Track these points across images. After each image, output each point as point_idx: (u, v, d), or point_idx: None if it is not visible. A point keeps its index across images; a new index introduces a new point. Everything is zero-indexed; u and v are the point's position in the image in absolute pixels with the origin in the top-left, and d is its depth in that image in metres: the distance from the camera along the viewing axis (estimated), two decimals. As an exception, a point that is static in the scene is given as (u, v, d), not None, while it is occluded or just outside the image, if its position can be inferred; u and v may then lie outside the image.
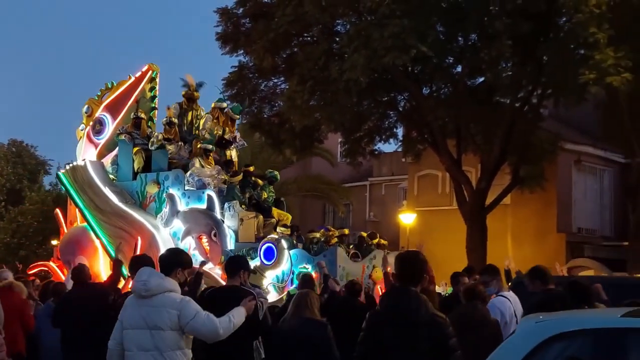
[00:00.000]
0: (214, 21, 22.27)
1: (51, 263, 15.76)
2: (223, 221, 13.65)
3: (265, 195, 15.10)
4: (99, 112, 16.03)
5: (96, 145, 15.98)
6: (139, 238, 13.98)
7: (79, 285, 8.80)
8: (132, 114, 15.44)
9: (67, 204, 16.05)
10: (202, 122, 15.42)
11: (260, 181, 15.11)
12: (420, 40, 17.14)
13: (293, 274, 12.80)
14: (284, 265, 12.94)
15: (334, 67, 18.26)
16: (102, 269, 14.59)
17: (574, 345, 4.83)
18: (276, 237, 13.41)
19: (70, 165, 15.78)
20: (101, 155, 15.89)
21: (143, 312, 5.45)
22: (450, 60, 20.73)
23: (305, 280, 9.79)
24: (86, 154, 15.89)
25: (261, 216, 14.35)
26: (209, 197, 13.83)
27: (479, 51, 18.52)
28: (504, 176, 21.46)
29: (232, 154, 15.67)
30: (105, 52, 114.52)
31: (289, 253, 13.04)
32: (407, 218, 26.41)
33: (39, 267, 16.09)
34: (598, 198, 26.68)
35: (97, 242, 14.77)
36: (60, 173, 16.05)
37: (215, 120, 15.39)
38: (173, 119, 15.07)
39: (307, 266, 12.84)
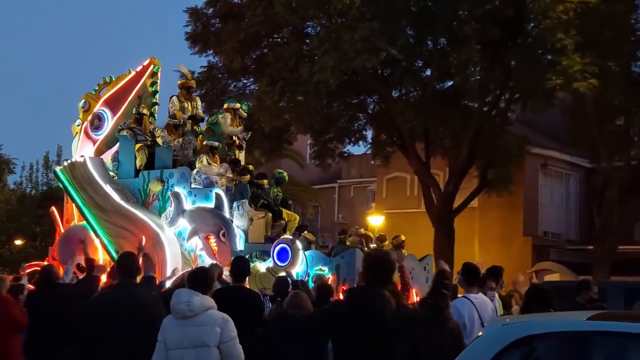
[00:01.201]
0: (183, 21, 22.22)
1: (46, 263, 15.24)
2: (232, 221, 13.09)
3: (273, 195, 14.60)
4: (98, 107, 15.24)
5: (94, 142, 15.20)
6: (144, 238, 13.24)
7: (46, 286, 8.64)
8: (134, 109, 14.82)
9: (64, 202, 15.34)
10: (220, 120, 14.70)
11: (265, 181, 14.48)
12: (390, 44, 17.24)
13: (309, 276, 12.17)
14: (299, 267, 12.34)
15: (304, 69, 18.28)
16: None
17: (539, 348, 4.87)
18: (290, 237, 12.92)
19: (68, 161, 15.00)
20: (99, 151, 15.09)
21: (187, 332, 5.58)
22: (420, 64, 20.88)
23: (280, 282, 9.68)
24: (83, 150, 15.09)
25: (270, 215, 13.85)
26: (217, 196, 13.21)
27: (448, 55, 18.67)
28: (471, 179, 21.62)
29: (241, 153, 15.24)
30: (70, 52, 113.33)
31: (305, 254, 12.50)
32: (375, 220, 26.44)
33: (32, 267, 15.44)
34: (564, 202, 26.97)
35: (97, 241, 14.01)
36: (57, 169, 15.21)
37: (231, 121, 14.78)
38: (181, 121, 14.55)
39: (323, 268, 12.31)
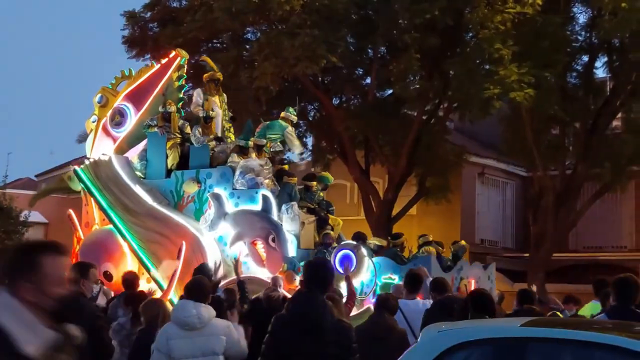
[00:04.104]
0: (120, 24, 21.84)
1: None
2: (281, 224, 12.13)
3: (317, 199, 13.74)
4: (119, 102, 14.07)
5: (115, 139, 14.04)
6: (184, 243, 12.25)
7: None
8: (160, 107, 13.64)
9: (82, 204, 14.07)
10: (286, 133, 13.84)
11: (314, 183, 13.71)
12: (331, 51, 17.27)
13: (377, 285, 11.20)
14: (364, 275, 11.34)
15: (244, 75, 18.17)
16: None
17: (475, 354, 4.87)
18: (354, 242, 12.05)
19: (91, 160, 13.70)
20: (121, 150, 13.93)
21: (197, 342, 5.81)
22: (360, 72, 20.98)
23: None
24: (101, 148, 13.90)
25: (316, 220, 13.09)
26: (265, 198, 12.15)
27: (387, 64, 18.79)
28: (410, 187, 21.77)
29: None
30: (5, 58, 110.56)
31: (372, 262, 11.54)
32: (315, 228, 26.43)
33: None
34: (500, 210, 27.34)
35: (125, 246, 12.98)
36: (78, 169, 13.77)
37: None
38: (211, 112, 13.51)
39: (392, 276, 11.14)
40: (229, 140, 13.77)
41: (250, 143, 13.10)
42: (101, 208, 13.44)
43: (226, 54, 19.66)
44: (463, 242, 14.61)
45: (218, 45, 21.36)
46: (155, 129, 13.53)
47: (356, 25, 18.98)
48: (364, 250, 11.69)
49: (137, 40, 21.65)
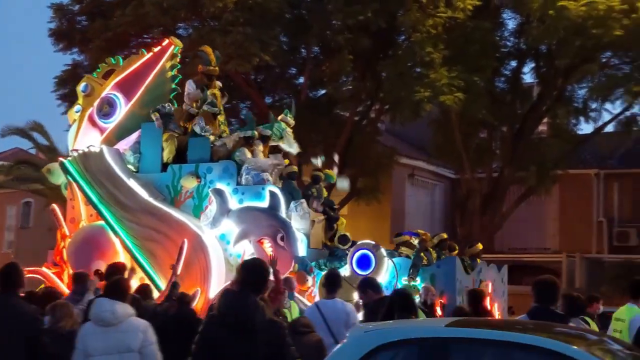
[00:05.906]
0: (47, 17, 21.32)
1: (44, 269, 12.91)
2: (290, 222, 11.61)
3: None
4: (107, 91, 13.28)
5: (102, 130, 13.21)
6: (186, 241, 11.63)
7: None
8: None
9: (67, 199, 13.20)
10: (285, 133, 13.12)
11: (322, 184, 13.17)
12: (263, 50, 17.22)
13: (398, 286, 10.74)
14: (383, 277, 10.97)
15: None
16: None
17: (401, 355, 4.89)
18: (373, 242, 11.68)
19: (79, 152, 12.85)
20: (108, 142, 13.10)
21: (112, 339, 5.80)
22: (293, 71, 20.97)
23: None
24: (86, 140, 13.06)
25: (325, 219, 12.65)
26: (272, 194, 11.61)
27: (321, 64, 18.84)
28: (342, 187, 21.85)
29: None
30: None
31: (393, 262, 11.23)
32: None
33: (29, 273, 12.42)
34: (429, 211, 27.67)
35: (117, 243, 12.26)
36: (65, 161, 12.95)
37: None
38: (220, 110, 12.91)
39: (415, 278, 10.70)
40: (224, 134, 13.16)
41: (256, 133, 12.60)
42: (91, 203, 12.71)
43: (157, 49, 19.40)
44: (480, 246, 14.24)
45: (149, 40, 20.96)
46: (155, 120, 12.73)
47: (289, 24, 18.99)
48: (383, 251, 11.44)
49: (65, 33, 21.15)
